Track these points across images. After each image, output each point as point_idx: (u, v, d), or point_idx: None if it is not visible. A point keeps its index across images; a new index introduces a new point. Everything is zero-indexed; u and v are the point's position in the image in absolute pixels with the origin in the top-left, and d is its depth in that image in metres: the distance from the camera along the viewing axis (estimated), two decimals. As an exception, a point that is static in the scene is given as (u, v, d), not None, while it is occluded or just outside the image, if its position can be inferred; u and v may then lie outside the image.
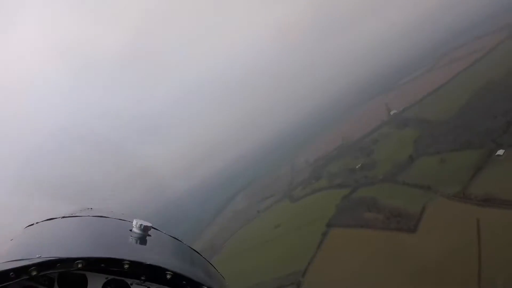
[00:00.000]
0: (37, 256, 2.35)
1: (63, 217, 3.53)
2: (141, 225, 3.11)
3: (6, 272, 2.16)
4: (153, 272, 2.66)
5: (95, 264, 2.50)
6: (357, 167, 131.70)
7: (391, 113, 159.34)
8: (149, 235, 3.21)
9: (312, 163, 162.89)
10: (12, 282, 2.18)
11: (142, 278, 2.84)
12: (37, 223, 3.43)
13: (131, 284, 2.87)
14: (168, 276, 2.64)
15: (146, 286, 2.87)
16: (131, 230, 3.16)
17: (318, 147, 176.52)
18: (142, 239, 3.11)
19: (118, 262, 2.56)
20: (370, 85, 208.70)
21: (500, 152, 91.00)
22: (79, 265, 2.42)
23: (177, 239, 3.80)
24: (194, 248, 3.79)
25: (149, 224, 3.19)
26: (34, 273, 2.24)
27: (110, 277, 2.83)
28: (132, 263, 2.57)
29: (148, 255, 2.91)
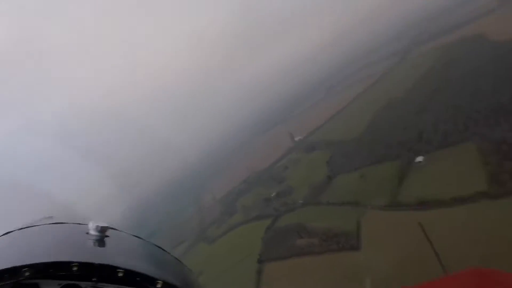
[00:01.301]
0: None
1: (20, 228, 3.34)
2: (97, 226, 2.97)
3: None
4: (104, 272, 2.53)
5: (43, 270, 2.38)
6: (272, 195, 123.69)
7: (296, 139, 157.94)
8: (107, 236, 3.05)
9: (221, 199, 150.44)
10: None
11: (94, 279, 2.67)
12: None
13: None
14: (120, 274, 2.51)
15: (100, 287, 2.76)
16: (87, 233, 3.02)
17: (224, 182, 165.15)
18: (100, 241, 2.98)
19: (66, 265, 2.43)
20: (268, 116, 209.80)
21: (420, 158, 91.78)
22: (27, 273, 2.31)
23: (139, 238, 3.66)
24: (159, 246, 3.64)
25: (105, 225, 3.03)
26: None
27: (64, 282, 2.67)
28: (81, 265, 2.45)
29: (100, 256, 2.79)
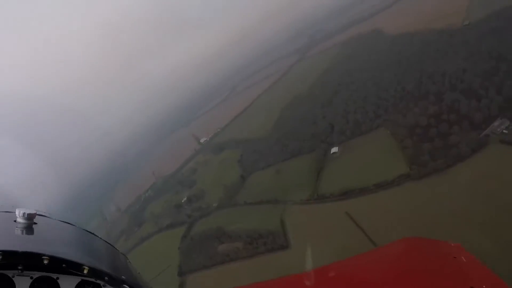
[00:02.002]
0: None
1: None
2: (24, 213, 2.91)
3: None
4: (29, 260, 2.50)
5: None
6: (183, 201, 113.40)
7: (202, 141, 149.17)
8: (35, 223, 2.98)
9: (127, 209, 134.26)
10: None
11: (19, 267, 2.62)
12: None
13: (13, 276, 2.63)
14: (45, 262, 2.49)
15: (28, 276, 2.65)
16: (15, 221, 2.96)
17: (127, 191, 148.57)
18: (28, 228, 2.92)
19: None
20: (170, 118, 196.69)
21: (335, 149, 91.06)
22: None
23: (69, 223, 3.56)
24: (90, 231, 3.52)
25: (33, 212, 2.96)
26: None
27: None
28: (5, 253, 2.41)
29: (26, 243, 2.73)
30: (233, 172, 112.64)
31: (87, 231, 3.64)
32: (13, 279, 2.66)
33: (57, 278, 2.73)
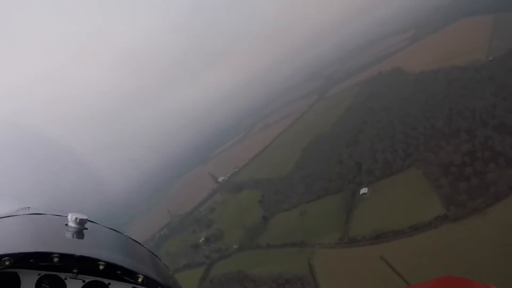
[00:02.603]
0: None
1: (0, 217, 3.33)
2: (76, 218, 2.98)
3: None
4: (85, 264, 2.58)
5: (23, 260, 2.40)
6: (200, 241, 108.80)
7: (219, 180, 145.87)
8: (86, 228, 3.06)
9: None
10: None
11: (74, 271, 2.68)
12: None
13: (65, 279, 2.70)
14: (101, 267, 2.56)
15: (81, 279, 2.72)
16: (66, 225, 3.02)
17: (141, 228, 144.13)
18: (79, 232, 2.98)
19: (47, 255, 2.46)
20: (186, 157, 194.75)
21: (364, 190, 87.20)
22: (7, 262, 2.33)
23: (116, 231, 3.66)
24: (135, 239, 3.67)
25: (85, 217, 3.03)
26: None
27: (43, 273, 2.66)
28: (62, 256, 2.48)
29: (81, 247, 2.81)
30: (254, 212, 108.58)
31: (134, 240, 3.63)
32: (65, 281, 2.69)
33: (109, 283, 2.76)
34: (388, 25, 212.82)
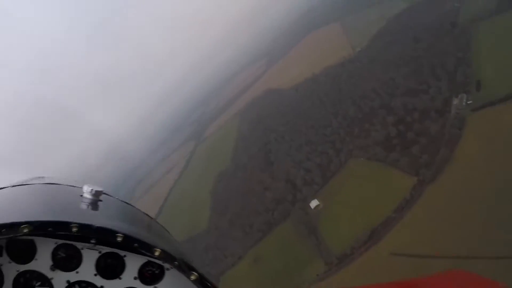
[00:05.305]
0: None
1: (13, 186, 3.34)
2: (91, 190, 2.99)
3: None
4: (103, 235, 2.60)
5: (42, 228, 2.41)
6: None
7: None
8: (100, 200, 3.08)
9: None
10: None
11: (92, 241, 2.75)
12: None
13: (82, 249, 2.77)
14: (119, 239, 2.58)
15: (97, 250, 2.79)
16: (81, 196, 3.04)
17: None
18: (93, 204, 3.00)
19: (66, 225, 2.47)
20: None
21: (315, 202, 78.88)
22: (25, 230, 2.33)
23: (129, 204, 3.70)
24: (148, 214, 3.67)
25: (100, 189, 3.05)
26: None
27: (60, 241, 2.73)
28: (81, 226, 2.49)
29: (98, 219, 2.85)
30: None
31: (146, 214, 3.60)
32: (81, 251, 2.74)
33: (124, 256, 2.82)
34: (237, 62, 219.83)
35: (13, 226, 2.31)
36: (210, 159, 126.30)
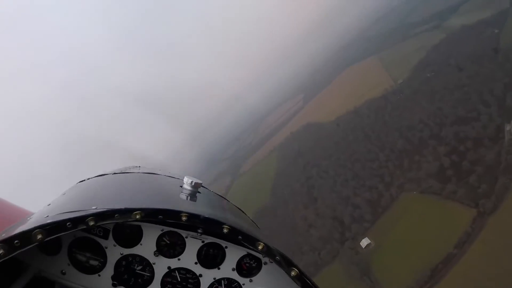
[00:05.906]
0: (93, 208, 2.37)
1: (115, 173, 3.50)
2: (192, 181, 3.05)
3: (63, 222, 2.20)
4: (210, 225, 2.65)
5: (153, 215, 2.51)
6: None
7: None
8: (199, 192, 3.15)
9: None
10: (68, 232, 2.23)
11: (199, 231, 2.90)
12: (88, 178, 3.36)
13: (186, 237, 2.92)
14: (225, 230, 2.64)
15: (201, 239, 2.93)
16: (181, 187, 3.11)
17: None
18: (193, 195, 3.05)
19: (176, 214, 2.55)
20: None
21: (366, 240, 74.82)
22: (137, 216, 2.43)
23: (225, 198, 3.74)
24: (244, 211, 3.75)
25: (199, 181, 3.13)
26: (91, 223, 2.28)
27: (166, 229, 2.87)
28: (191, 216, 2.56)
29: (204, 209, 2.87)
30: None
31: (240, 209, 3.67)
32: (186, 239, 2.89)
33: (226, 247, 2.93)
34: (272, 98, 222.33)
35: (126, 212, 2.39)
36: (248, 195, 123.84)
